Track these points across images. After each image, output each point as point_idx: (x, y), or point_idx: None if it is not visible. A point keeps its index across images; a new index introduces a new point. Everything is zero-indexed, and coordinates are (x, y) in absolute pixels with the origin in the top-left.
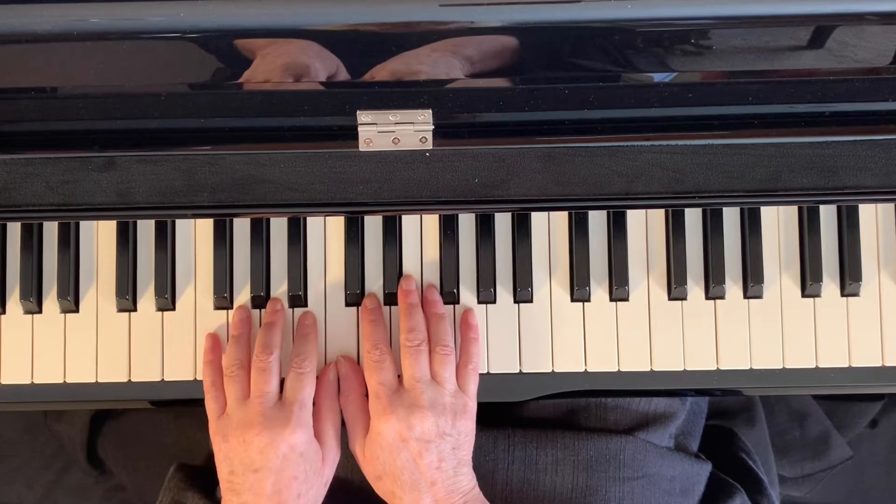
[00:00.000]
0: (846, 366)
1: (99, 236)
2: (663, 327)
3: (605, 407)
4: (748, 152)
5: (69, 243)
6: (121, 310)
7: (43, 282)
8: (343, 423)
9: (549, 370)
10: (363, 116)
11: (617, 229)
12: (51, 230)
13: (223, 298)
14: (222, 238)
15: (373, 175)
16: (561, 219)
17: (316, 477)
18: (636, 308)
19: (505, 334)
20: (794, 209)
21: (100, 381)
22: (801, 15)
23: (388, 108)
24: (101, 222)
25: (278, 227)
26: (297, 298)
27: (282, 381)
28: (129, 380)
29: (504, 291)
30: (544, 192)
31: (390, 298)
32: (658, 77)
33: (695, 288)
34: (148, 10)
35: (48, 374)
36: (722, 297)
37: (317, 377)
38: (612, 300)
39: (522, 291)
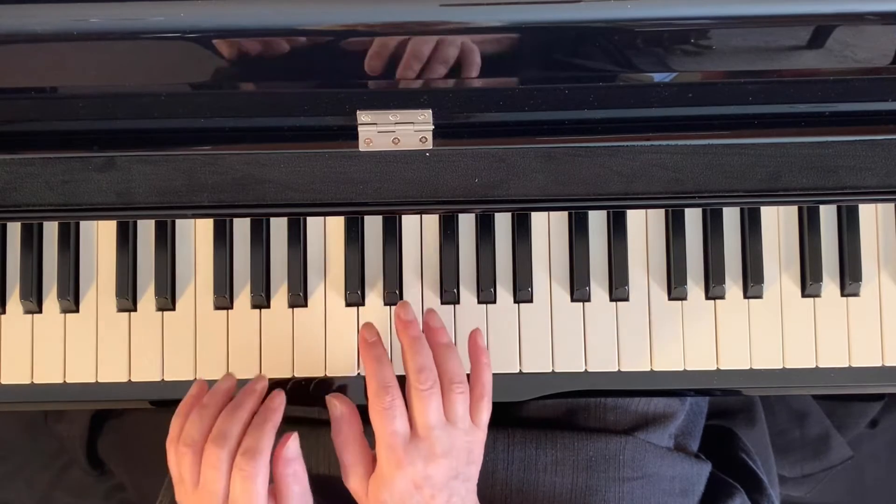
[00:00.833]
0: (846, 366)
1: (99, 236)
2: (663, 327)
3: (604, 407)
4: (748, 152)
5: (69, 243)
6: (121, 310)
7: (43, 282)
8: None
9: (549, 370)
10: (363, 116)
11: (617, 229)
12: (51, 230)
13: (223, 298)
14: (222, 238)
15: (373, 175)
16: (561, 219)
17: None
18: (636, 308)
19: (505, 334)
20: (794, 209)
21: (100, 381)
22: (801, 15)
23: (387, 108)
24: (101, 222)
25: (278, 227)
26: (297, 298)
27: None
28: (129, 380)
29: (504, 291)
30: (544, 192)
31: (390, 298)
32: (658, 77)
33: (695, 288)
34: (148, 10)
35: (48, 374)
36: (722, 297)
37: (275, 459)
38: (612, 300)
39: (522, 291)
